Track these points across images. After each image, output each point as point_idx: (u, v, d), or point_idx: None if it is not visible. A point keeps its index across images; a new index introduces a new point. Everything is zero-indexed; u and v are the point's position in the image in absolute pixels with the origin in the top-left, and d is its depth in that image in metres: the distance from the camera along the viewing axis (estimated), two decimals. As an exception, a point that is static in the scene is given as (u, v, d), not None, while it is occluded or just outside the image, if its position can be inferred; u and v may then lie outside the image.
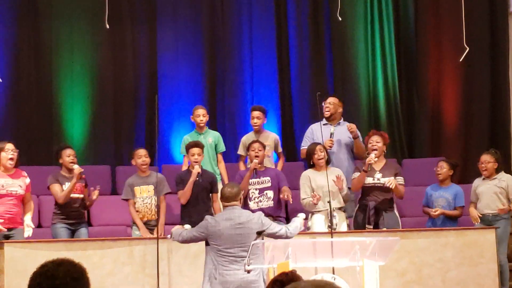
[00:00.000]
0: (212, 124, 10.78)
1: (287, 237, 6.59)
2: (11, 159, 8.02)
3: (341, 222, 8.31)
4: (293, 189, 8.91)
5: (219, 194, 8.66)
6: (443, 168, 8.88)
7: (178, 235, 6.78)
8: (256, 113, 9.37)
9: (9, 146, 8.06)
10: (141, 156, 8.63)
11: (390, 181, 8.30)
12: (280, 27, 11.37)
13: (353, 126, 8.97)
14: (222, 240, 6.44)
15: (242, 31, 11.33)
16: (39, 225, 9.53)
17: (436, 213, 8.65)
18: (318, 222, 8.32)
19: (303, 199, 8.44)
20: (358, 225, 8.43)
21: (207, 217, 6.67)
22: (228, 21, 11.33)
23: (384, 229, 8.19)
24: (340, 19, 10.10)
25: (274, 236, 6.60)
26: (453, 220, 8.78)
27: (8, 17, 10.79)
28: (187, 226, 6.91)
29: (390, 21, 11.45)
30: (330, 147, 8.90)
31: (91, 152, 10.82)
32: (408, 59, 11.58)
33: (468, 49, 9.64)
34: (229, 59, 11.27)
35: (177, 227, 7.01)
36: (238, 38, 11.32)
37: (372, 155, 8.36)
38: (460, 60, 10.10)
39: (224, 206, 6.67)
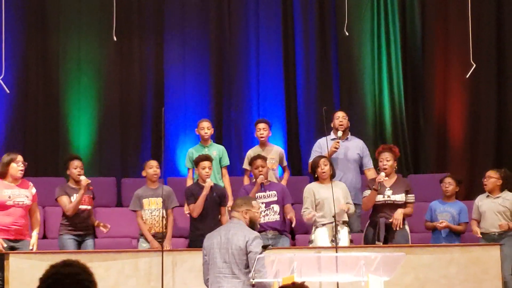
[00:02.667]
0: (218, 138, 10.81)
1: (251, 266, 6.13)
2: (21, 170, 8.05)
3: (344, 237, 8.30)
4: (298, 203, 8.93)
5: (226, 208, 8.73)
6: (451, 184, 8.90)
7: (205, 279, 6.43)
8: (262, 125, 9.41)
9: (20, 158, 8.10)
10: (153, 166, 8.66)
11: (397, 221, 8.30)
12: (287, 42, 11.41)
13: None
14: (212, 254, 6.27)
15: (249, 45, 11.37)
16: (44, 236, 9.55)
17: (442, 224, 8.65)
18: (322, 236, 8.31)
19: (304, 211, 8.43)
20: (368, 241, 8.43)
21: (208, 234, 6.50)
22: (235, 35, 11.37)
23: (395, 244, 8.20)
24: (347, 34, 10.13)
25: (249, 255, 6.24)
26: (456, 235, 8.78)
27: (17, 29, 10.84)
28: None
29: (397, 37, 11.48)
30: (336, 148, 8.94)
31: (97, 163, 10.85)
32: (415, 74, 11.60)
33: (474, 65, 9.66)
34: (236, 73, 11.31)
35: None
36: (245, 52, 11.36)
37: (382, 174, 8.38)
38: (467, 76, 10.11)
39: (231, 217, 6.49)
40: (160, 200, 8.50)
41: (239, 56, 11.35)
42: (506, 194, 8.68)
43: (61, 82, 10.96)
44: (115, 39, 9.43)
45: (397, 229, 8.31)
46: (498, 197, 8.64)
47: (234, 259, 6.18)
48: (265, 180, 8.55)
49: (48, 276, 3.00)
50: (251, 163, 8.75)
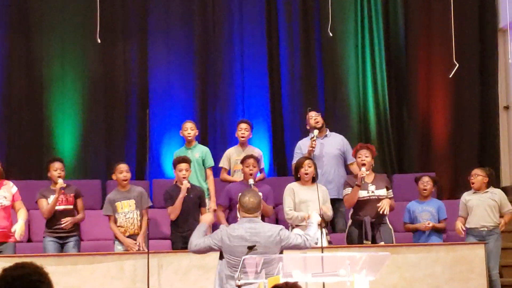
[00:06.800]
0: (203, 138, 10.81)
1: (305, 247, 6.23)
2: None
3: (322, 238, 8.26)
4: (282, 204, 8.95)
5: (207, 208, 8.73)
6: (429, 183, 8.96)
7: (191, 244, 6.26)
8: (244, 125, 9.45)
9: None
10: (123, 171, 8.59)
11: (383, 207, 8.32)
12: (271, 43, 11.42)
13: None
14: (235, 255, 6.04)
15: (233, 46, 11.37)
16: (29, 240, 9.52)
17: (430, 225, 8.69)
18: None
19: (289, 210, 8.40)
20: (352, 240, 8.42)
21: (223, 227, 6.27)
22: (219, 37, 11.37)
23: (382, 243, 8.20)
24: (331, 35, 10.15)
25: (294, 248, 6.24)
26: (438, 234, 8.82)
27: (0, 30, 10.79)
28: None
29: (381, 37, 11.52)
30: (313, 147, 8.96)
31: (82, 166, 10.82)
32: (398, 74, 11.64)
33: (457, 65, 9.69)
34: (220, 74, 11.31)
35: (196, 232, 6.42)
36: (229, 53, 11.36)
37: (363, 169, 8.39)
38: (450, 76, 10.16)
39: (243, 217, 6.21)
40: (133, 202, 8.48)
41: (223, 57, 11.35)
42: (493, 189, 8.76)
43: (45, 84, 10.92)
44: (99, 41, 9.40)
45: (383, 212, 8.29)
46: (486, 192, 8.70)
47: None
48: (254, 184, 8.54)
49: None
50: (242, 161, 8.72)
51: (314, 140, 9.10)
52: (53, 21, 10.98)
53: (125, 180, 8.55)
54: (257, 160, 8.74)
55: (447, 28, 10.37)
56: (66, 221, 8.34)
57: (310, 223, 6.54)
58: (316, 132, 9.21)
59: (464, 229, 8.64)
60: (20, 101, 10.86)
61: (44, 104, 10.88)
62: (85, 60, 11.03)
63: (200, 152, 9.31)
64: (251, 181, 8.44)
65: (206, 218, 6.59)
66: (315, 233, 6.35)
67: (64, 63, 11.00)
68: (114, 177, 8.63)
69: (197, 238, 6.25)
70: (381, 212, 8.31)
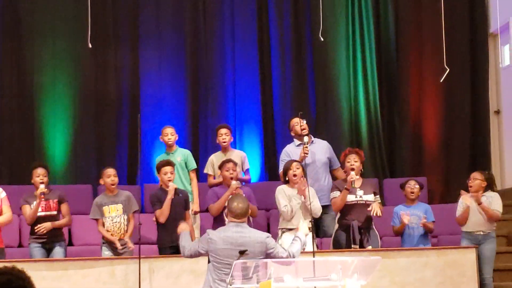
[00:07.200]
0: (194, 144, 10.82)
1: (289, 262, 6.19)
2: None
3: (308, 243, 8.24)
4: (275, 208, 8.94)
5: (190, 211, 8.74)
6: (416, 187, 8.97)
7: (184, 250, 6.37)
8: (224, 130, 9.45)
9: None
10: (110, 175, 8.57)
11: (374, 210, 8.33)
12: (262, 48, 11.43)
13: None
14: (220, 257, 6.14)
15: (224, 52, 11.38)
16: (19, 245, 9.49)
17: (423, 221, 8.67)
18: (289, 242, 8.28)
19: (285, 207, 8.37)
20: (339, 245, 8.41)
21: (209, 231, 6.33)
22: (211, 42, 11.37)
23: (370, 247, 8.22)
24: (322, 39, 10.17)
25: (279, 261, 6.20)
26: (426, 239, 8.80)
27: (-9, 36, 10.80)
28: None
29: (372, 42, 11.54)
30: (306, 154, 8.97)
31: (72, 171, 10.80)
32: (390, 79, 11.66)
33: (448, 70, 9.72)
34: (212, 79, 11.31)
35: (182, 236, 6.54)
36: (220, 58, 11.36)
37: (353, 172, 8.41)
38: (441, 81, 10.19)
39: (231, 221, 6.27)
40: (120, 206, 8.46)
41: (215, 63, 11.36)
42: (489, 193, 8.75)
43: (36, 89, 10.90)
44: (90, 46, 9.40)
45: (375, 215, 8.30)
46: (482, 196, 8.69)
47: None
48: (238, 187, 8.53)
49: None
50: (221, 166, 8.74)
51: (306, 147, 9.09)
52: (44, 27, 10.97)
53: (113, 185, 8.55)
54: (236, 163, 8.74)
55: (438, 33, 10.40)
56: (41, 227, 8.29)
57: (296, 237, 6.55)
58: (306, 138, 9.20)
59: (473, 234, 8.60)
60: (11, 106, 10.84)
61: (36, 109, 10.86)
62: (76, 65, 11.02)
63: (181, 156, 9.33)
64: (234, 183, 8.45)
65: (183, 227, 6.66)
66: (298, 250, 6.40)
67: (55, 68, 10.98)
68: (101, 181, 8.62)
69: (187, 243, 6.38)
70: (373, 215, 8.32)
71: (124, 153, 10.93)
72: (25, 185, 9.81)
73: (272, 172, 11.06)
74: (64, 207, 8.51)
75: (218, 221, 8.42)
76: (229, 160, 8.74)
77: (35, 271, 7.44)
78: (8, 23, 10.94)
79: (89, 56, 10.82)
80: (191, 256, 6.37)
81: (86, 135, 10.92)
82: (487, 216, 8.59)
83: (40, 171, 8.44)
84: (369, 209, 8.34)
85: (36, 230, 8.31)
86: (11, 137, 10.78)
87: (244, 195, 7.97)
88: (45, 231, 8.30)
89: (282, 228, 8.43)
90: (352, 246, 8.28)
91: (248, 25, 11.40)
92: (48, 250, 8.33)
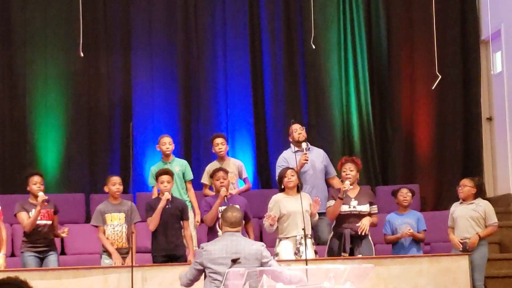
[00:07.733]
0: (186, 152, 10.81)
1: (283, 277, 6.00)
2: None
3: (308, 249, 8.26)
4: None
5: (190, 221, 8.70)
6: (408, 195, 8.98)
7: (181, 278, 6.35)
8: (219, 140, 9.43)
9: None
10: (115, 183, 8.58)
11: (364, 226, 8.34)
12: (254, 55, 11.45)
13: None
14: (215, 266, 6.10)
15: (216, 59, 11.39)
16: (12, 254, 9.46)
17: (410, 231, 8.67)
18: (286, 250, 8.29)
19: (265, 220, 8.40)
20: (333, 252, 8.41)
21: (202, 245, 6.34)
22: (203, 49, 11.39)
23: (360, 255, 8.22)
24: (314, 47, 10.19)
25: (274, 273, 6.08)
26: (418, 246, 8.82)
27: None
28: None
29: (363, 49, 11.57)
30: (306, 160, 8.96)
31: (65, 180, 10.79)
32: (381, 86, 11.69)
33: (440, 76, 9.74)
34: (204, 87, 11.32)
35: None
36: (212, 66, 11.37)
37: (347, 182, 8.40)
38: (433, 87, 10.20)
39: (225, 231, 6.30)
40: (122, 215, 8.45)
41: (207, 70, 11.36)
42: (479, 201, 8.74)
43: (28, 98, 10.89)
44: (82, 54, 9.39)
45: (363, 233, 8.31)
46: (471, 203, 8.69)
47: None
48: (227, 193, 8.52)
49: None
50: (212, 175, 8.73)
51: (305, 154, 9.09)
52: (36, 35, 10.97)
53: (118, 192, 8.55)
54: (227, 171, 8.72)
55: (429, 40, 10.44)
56: (64, 231, 8.40)
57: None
58: (304, 145, 9.21)
59: (461, 242, 8.61)
60: (2, 115, 10.83)
61: (27, 118, 10.85)
62: (68, 73, 11.02)
63: (179, 166, 9.31)
64: (223, 190, 8.43)
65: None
66: (296, 277, 6.10)
67: (47, 76, 10.98)
68: (106, 189, 8.59)
69: (182, 273, 6.36)
70: (361, 233, 8.32)
71: (117, 162, 10.91)
72: (17, 194, 9.82)
73: (264, 180, 11.06)
74: (56, 219, 8.51)
75: (212, 233, 8.39)
76: (219, 169, 8.71)
77: (29, 280, 7.40)
78: (0, 31, 10.92)
79: (81, 64, 10.81)
80: (190, 280, 6.31)
81: (78, 144, 10.90)
82: (488, 233, 8.64)
83: (37, 178, 8.42)
84: (357, 224, 8.34)
85: (63, 234, 8.37)
86: (3, 146, 10.76)
87: (238, 206, 8.02)
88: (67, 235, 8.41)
89: (280, 237, 8.41)
90: (342, 254, 8.28)
91: (240, 33, 11.42)
92: (42, 259, 8.31)
